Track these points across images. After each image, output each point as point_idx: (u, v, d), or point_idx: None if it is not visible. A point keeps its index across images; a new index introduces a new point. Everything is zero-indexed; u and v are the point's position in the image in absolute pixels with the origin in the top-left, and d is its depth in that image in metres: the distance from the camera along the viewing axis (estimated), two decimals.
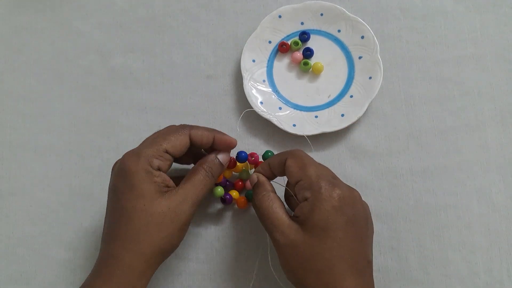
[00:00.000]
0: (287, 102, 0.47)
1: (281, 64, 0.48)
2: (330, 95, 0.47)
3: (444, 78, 0.47)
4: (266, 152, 0.42)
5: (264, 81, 0.47)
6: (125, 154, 0.37)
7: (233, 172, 0.44)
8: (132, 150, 0.37)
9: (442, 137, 0.46)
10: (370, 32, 0.46)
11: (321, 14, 0.48)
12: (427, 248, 0.43)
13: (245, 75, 0.47)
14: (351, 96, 0.46)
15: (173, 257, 0.44)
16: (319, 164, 0.37)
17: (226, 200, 0.43)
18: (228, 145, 0.40)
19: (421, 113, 0.47)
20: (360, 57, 0.47)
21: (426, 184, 0.45)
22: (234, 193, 0.44)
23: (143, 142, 0.38)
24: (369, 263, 0.35)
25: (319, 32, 0.48)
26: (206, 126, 0.39)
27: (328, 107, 0.46)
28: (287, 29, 0.48)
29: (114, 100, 0.49)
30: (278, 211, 0.36)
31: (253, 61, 0.48)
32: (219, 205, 0.45)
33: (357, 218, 0.35)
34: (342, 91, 0.47)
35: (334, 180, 0.36)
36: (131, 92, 0.49)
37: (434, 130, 0.46)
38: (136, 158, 0.36)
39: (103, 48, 0.50)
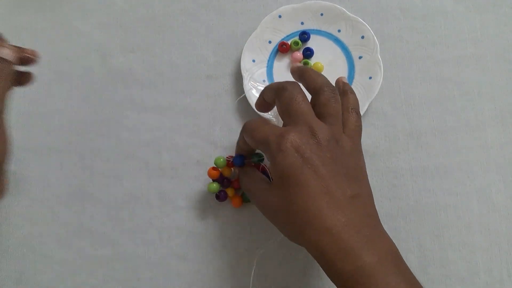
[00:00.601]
0: None
1: (281, 64, 0.48)
2: None
3: (444, 78, 0.47)
4: (253, 156, 0.42)
5: (264, 81, 0.47)
6: None
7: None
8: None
9: (442, 137, 0.46)
10: (370, 32, 0.46)
11: (321, 14, 0.48)
12: (427, 248, 0.43)
13: (245, 75, 0.47)
14: None
15: (173, 257, 0.44)
16: (268, 123, 0.36)
17: (220, 197, 0.44)
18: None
19: (421, 113, 0.47)
20: (360, 57, 0.47)
21: (426, 184, 0.45)
22: (230, 191, 0.44)
23: None
24: (353, 197, 0.33)
25: (319, 32, 0.48)
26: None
27: None
28: (287, 29, 0.48)
29: (114, 100, 0.49)
30: (253, 183, 0.38)
31: (253, 61, 0.48)
32: (219, 205, 0.45)
33: (315, 157, 0.33)
34: None
35: (282, 131, 0.34)
36: (131, 92, 0.49)
37: (434, 130, 0.46)
38: None
39: (103, 48, 0.50)
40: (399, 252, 0.33)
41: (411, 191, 0.45)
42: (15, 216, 0.47)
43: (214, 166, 0.43)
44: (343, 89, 0.39)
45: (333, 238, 0.31)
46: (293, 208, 0.32)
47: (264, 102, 0.40)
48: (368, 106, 0.45)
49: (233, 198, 0.44)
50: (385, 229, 0.44)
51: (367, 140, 0.46)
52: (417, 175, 0.45)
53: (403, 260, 0.33)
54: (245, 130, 0.38)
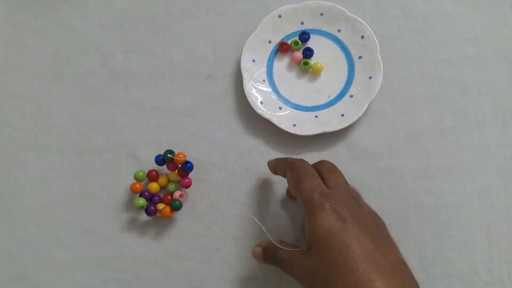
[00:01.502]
0: (287, 102, 0.47)
1: (281, 64, 0.48)
2: (330, 95, 0.47)
3: (444, 78, 0.47)
4: (165, 152, 0.43)
5: (264, 81, 0.47)
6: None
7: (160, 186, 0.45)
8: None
9: (442, 137, 0.46)
10: (370, 32, 0.46)
11: (321, 14, 0.48)
12: (427, 248, 0.43)
13: (245, 75, 0.47)
14: (351, 96, 0.46)
15: (173, 257, 0.44)
16: (314, 175, 0.36)
17: (149, 211, 0.43)
18: None
19: (421, 113, 0.47)
20: (360, 57, 0.47)
21: (426, 184, 0.45)
22: (159, 204, 0.44)
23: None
24: (399, 260, 0.32)
25: (319, 32, 0.48)
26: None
27: (328, 107, 0.46)
28: (287, 29, 0.48)
29: (114, 100, 0.49)
30: (287, 249, 0.36)
31: (253, 61, 0.48)
32: (219, 205, 0.45)
33: (356, 218, 0.33)
34: (342, 91, 0.46)
35: (327, 191, 0.34)
36: (131, 92, 0.49)
37: (434, 130, 0.46)
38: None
39: (103, 48, 0.50)
40: None
41: (411, 191, 0.45)
42: (15, 216, 0.47)
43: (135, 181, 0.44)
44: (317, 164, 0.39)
45: None
46: (339, 272, 0.30)
47: (275, 171, 0.40)
48: (368, 106, 0.45)
49: (162, 210, 0.43)
50: None
51: (367, 140, 0.46)
52: (417, 175, 0.45)
53: None
54: (293, 169, 0.36)
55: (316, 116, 0.46)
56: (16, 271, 0.45)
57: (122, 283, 0.45)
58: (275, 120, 0.45)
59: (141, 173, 0.44)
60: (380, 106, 0.47)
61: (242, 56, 0.47)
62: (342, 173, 0.38)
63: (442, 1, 0.49)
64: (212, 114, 0.48)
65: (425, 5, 0.49)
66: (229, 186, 0.46)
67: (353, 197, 0.35)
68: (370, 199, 0.44)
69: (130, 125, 0.48)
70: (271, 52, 0.48)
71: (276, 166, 0.39)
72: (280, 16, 0.48)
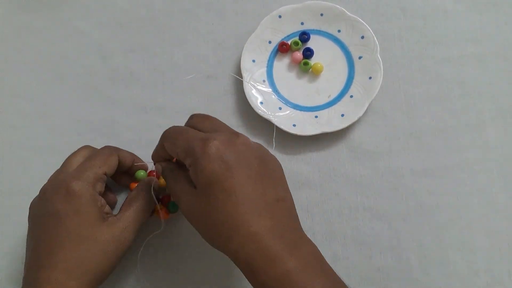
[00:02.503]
0: (287, 102, 0.47)
1: (281, 64, 0.48)
2: (330, 95, 0.47)
3: (444, 78, 0.47)
4: (138, 172, 0.43)
5: (264, 81, 0.47)
6: (65, 177, 0.37)
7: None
8: (71, 174, 0.37)
9: (442, 137, 0.46)
10: (370, 32, 0.46)
11: (321, 14, 0.48)
12: (427, 248, 0.43)
13: (245, 75, 0.47)
14: (351, 96, 0.46)
15: (173, 257, 0.44)
16: (185, 129, 0.36)
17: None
18: (137, 170, 0.42)
19: (421, 113, 0.47)
20: (360, 57, 0.47)
21: (426, 184, 0.45)
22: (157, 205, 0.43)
23: (78, 166, 0.38)
24: (278, 201, 0.33)
25: (319, 32, 0.48)
26: None
27: (328, 107, 0.46)
28: (287, 29, 0.48)
29: (114, 100, 0.49)
30: (179, 184, 0.35)
31: (253, 61, 0.48)
32: None
33: (241, 161, 0.32)
34: (342, 91, 0.46)
35: (206, 135, 0.33)
36: (131, 92, 0.49)
37: (434, 130, 0.46)
38: (80, 182, 0.36)
39: (103, 48, 0.50)
40: (321, 254, 0.33)
41: (411, 191, 0.45)
42: (15, 216, 0.46)
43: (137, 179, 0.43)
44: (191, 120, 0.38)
45: (259, 245, 0.30)
46: (219, 216, 0.31)
47: (163, 158, 0.38)
48: (368, 106, 0.45)
49: (159, 210, 0.43)
50: (385, 229, 0.44)
51: (367, 140, 0.46)
52: (417, 175, 0.45)
53: (326, 262, 0.32)
54: (166, 137, 0.36)
55: (316, 116, 0.46)
56: (16, 271, 0.45)
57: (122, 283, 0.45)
58: (275, 120, 0.45)
59: (142, 173, 0.44)
60: (380, 106, 0.47)
61: (242, 56, 0.47)
62: (217, 119, 0.37)
63: (442, 1, 0.49)
64: (212, 114, 0.48)
65: (425, 5, 0.49)
66: None
67: (235, 135, 0.34)
68: (370, 199, 0.45)
69: (130, 125, 0.48)
70: (271, 53, 0.48)
71: (157, 152, 0.38)
72: (280, 17, 0.48)
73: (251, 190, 0.32)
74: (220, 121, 0.37)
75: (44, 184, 0.38)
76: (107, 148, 0.40)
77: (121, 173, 0.43)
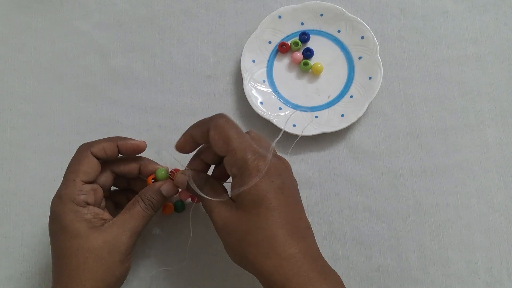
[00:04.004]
0: (287, 102, 0.47)
1: (281, 65, 0.48)
2: (330, 95, 0.47)
3: (444, 78, 0.47)
4: (159, 170, 0.40)
5: (264, 81, 0.47)
6: (53, 199, 0.37)
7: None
8: (56, 193, 0.37)
9: (442, 137, 0.46)
10: (370, 32, 0.46)
11: (321, 15, 0.48)
12: (427, 248, 0.43)
13: (245, 75, 0.47)
14: (351, 96, 0.46)
15: (173, 256, 0.44)
16: (241, 132, 0.35)
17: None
18: (135, 150, 0.39)
19: (421, 113, 0.47)
20: (360, 58, 0.47)
21: (426, 184, 0.45)
22: None
23: (62, 181, 0.37)
24: (308, 227, 0.34)
25: (319, 33, 0.48)
26: None
27: (328, 107, 0.46)
28: (287, 30, 0.48)
29: (114, 100, 0.49)
30: (219, 194, 0.35)
31: (253, 61, 0.48)
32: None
33: (287, 185, 0.34)
34: (342, 91, 0.47)
35: (262, 152, 0.33)
36: (131, 92, 0.49)
37: (434, 130, 0.46)
38: (59, 201, 0.36)
39: (103, 48, 0.50)
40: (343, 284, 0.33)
41: (411, 191, 0.45)
42: (16, 216, 0.47)
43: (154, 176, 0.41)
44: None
45: (295, 268, 0.31)
46: (260, 235, 0.32)
47: (191, 141, 0.37)
48: (368, 106, 0.45)
49: (164, 206, 0.43)
50: (385, 229, 0.44)
51: (367, 140, 0.46)
52: (417, 175, 0.45)
53: None
54: (216, 126, 0.34)
55: (316, 116, 0.46)
56: (16, 271, 0.45)
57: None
58: (275, 120, 0.45)
59: (163, 172, 0.40)
60: (380, 106, 0.47)
61: (242, 56, 0.47)
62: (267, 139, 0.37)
63: (442, 1, 0.49)
64: (212, 114, 0.48)
65: (425, 5, 0.49)
66: (229, 186, 0.46)
67: (283, 158, 0.36)
68: (370, 199, 0.45)
69: (130, 125, 0.48)
70: (271, 53, 0.48)
71: (193, 134, 0.36)
72: (280, 17, 0.48)
73: (291, 213, 0.33)
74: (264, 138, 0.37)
75: None
76: (76, 152, 0.38)
77: (122, 163, 0.40)
